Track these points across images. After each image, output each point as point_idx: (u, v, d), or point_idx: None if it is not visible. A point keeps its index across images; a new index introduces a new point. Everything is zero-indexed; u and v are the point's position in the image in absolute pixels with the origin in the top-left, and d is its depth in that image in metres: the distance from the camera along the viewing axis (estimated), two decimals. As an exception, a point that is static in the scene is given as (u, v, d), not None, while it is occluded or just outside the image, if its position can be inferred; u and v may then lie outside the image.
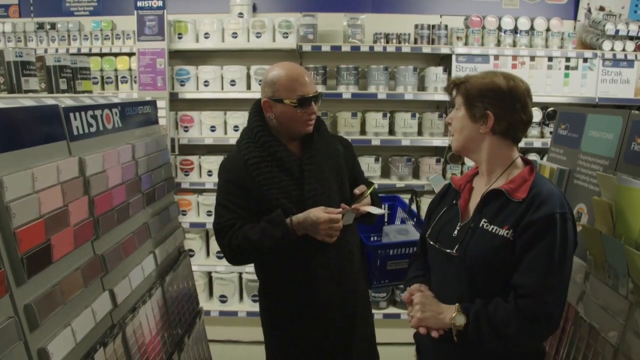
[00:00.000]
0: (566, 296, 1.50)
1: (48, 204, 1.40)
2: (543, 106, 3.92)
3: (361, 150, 3.98)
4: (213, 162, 3.89)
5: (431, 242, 1.69)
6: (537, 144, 3.85)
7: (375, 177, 3.90)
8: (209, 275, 4.05)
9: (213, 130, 3.90)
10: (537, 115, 3.91)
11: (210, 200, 3.91)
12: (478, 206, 1.59)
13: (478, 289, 1.53)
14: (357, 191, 2.07)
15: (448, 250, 1.59)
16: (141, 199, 2.00)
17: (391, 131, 3.93)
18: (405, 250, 2.25)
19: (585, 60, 3.83)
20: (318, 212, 1.88)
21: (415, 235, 2.33)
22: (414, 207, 2.51)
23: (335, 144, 2.13)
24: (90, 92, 2.15)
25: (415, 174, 4.02)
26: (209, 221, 3.90)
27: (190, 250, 3.98)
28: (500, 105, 1.52)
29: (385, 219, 2.59)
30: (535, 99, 3.75)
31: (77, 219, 1.53)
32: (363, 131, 3.92)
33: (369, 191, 2.08)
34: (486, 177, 1.63)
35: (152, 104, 2.26)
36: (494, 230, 1.50)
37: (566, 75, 3.85)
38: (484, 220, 1.54)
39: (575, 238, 1.50)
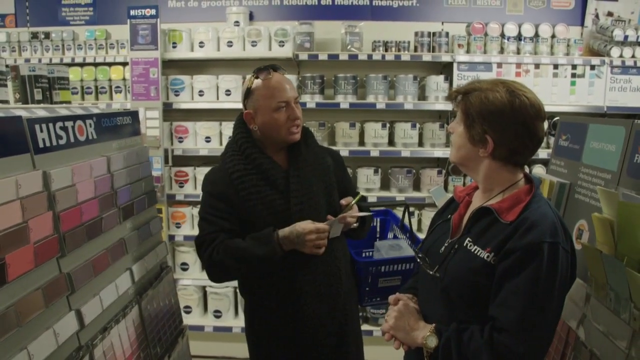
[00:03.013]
0: (551, 338, 1.39)
1: (4, 221, 1.33)
2: (549, 115, 3.81)
3: (360, 162, 3.92)
4: (208, 174, 3.83)
5: (418, 259, 1.61)
6: (543, 154, 3.73)
7: (374, 189, 3.83)
8: (204, 289, 3.97)
9: (208, 141, 3.86)
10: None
11: (204, 212, 3.84)
12: (467, 223, 1.50)
13: (456, 313, 1.44)
14: (343, 202, 2.04)
15: (428, 270, 1.52)
16: (117, 213, 1.92)
17: (391, 142, 3.86)
18: (397, 267, 2.19)
19: (592, 67, 3.72)
20: (304, 224, 1.85)
21: (408, 251, 2.26)
22: (406, 221, 2.41)
23: (325, 157, 2.09)
24: (69, 102, 2.09)
25: (416, 186, 3.93)
26: (204, 234, 3.83)
27: (184, 264, 3.92)
28: (500, 129, 1.38)
29: (377, 234, 2.51)
30: None
31: (38, 235, 1.46)
32: (362, 142, 3.85)
33: (355, 201, 2.03)
34: (482, 194, 1.54)
35: (133, 114, 2.19)
36: (475, 251, 1.41)
37: (572, 84, 3.74)
38: (468, 239, 1.45)
39: (571, 272, 1.39)
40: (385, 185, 3.94)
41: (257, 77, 1.92)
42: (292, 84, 1.96)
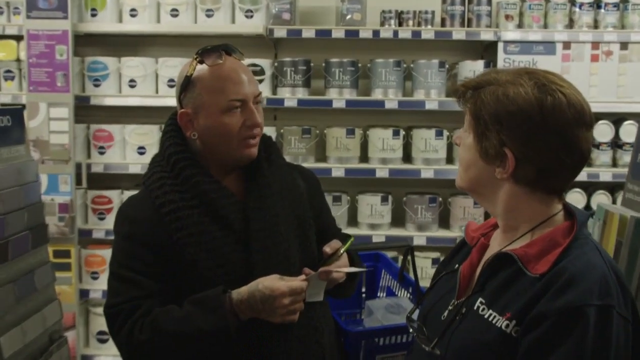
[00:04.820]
0: None
1: None
2: (642, 120, 3.81)
3: (361, 185, 3.92)
4: (141, 200, 3.84)
5: (411, 328, 1.62)
6: (581, 176, 3.69)
7: (382, 225, 3.83)
8: (131, 371, 3.93)
9: (142, 153, 3.86)
10: (633, 132, 3.77)
11: (134, 257, 3.84)
12: (480, 277, 1.49)
13: None
14: (327, 249, 1.97)
15: (424, 346, 1.50)
16: (-20, 258, 1.91)
17: (407, 157, 3.86)
18: (400, 339, 2.20)
19: None
20: (272, 282, 1.80)
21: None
22: (410, 270, 2.42)
23: (294, 178, 2.07)
24: None
25: (444, 222, 3.92)
26: (132, 289, 3.82)
27: (103, 333, 3.91)
28: (525, 140, 1.38)
29: (363, 288, 2.53)
30: (630, 108, 3.70)
31: None
32: (364, 156, 3.85)
33: (345, 247, 1.99)
34: (503, 235, 1.54)
35: (14, 113, 2.19)
36: (490, 317, 1.39)
37: (682, 71, 3.75)
38: (480, 299, 1.44)
39: (635, 350, 1.34)
40: (398, 219, 3.93)
41: (201, 62, 1.91)
42: (252, 75, 1.95)
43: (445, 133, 3.78)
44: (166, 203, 1.87)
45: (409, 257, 2.40)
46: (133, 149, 3.86)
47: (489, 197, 1.50)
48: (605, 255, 1.41)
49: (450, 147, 3.82)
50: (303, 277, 1.85)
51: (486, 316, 1.40)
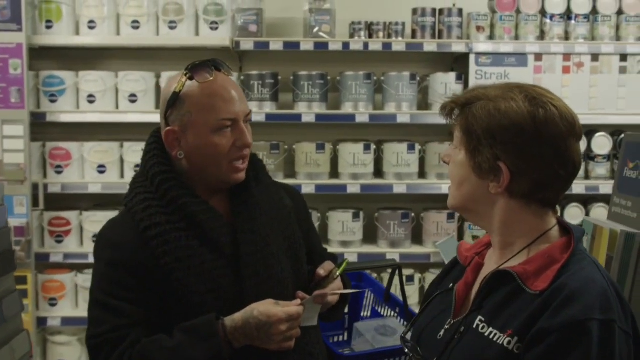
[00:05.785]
0: None
1: None
2: (614, 131, 3.89)
3: (332, 201, 3.92)
4: (101, 222, 3.74)
5: (406, 348, 1.62)
6: (606, 188, 3.77)
7: (354, 242, 3.84)
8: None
9: (102, 172, 3.81)
10: (605, 144, 3.87)
11: (94, 281, 3.78)
12: (477, 295, 1.51)
13: None
14: (321, 271, 1.98)
15: None
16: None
17: (378, 172, 3.88)
18: None
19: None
20: (267, 308, 1.78)
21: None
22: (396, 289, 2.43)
23: (282, 197, 2.06)
24: None
25: (417, 238, 3.95)
26: (93, 315, 3.76)
27: (63, 362, 3.82)
28: (519, 153, 1.41)
29: (346, 310, 2.51)
30: (602, 120, 3.78)
31: None
32: (334, 172, 3.87)
33: (340, 270, 1.99)
34: (499, 252, 1.55)
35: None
36: (490, 335, 1.40)
37: (651, 82, 3.84)
38: (480, 317, 1.45)
39: None
40: (370, 236, 3.94)
41: (190, 78, 1.88)
42: (242, 92, 1.92)
43: (417, 147, 3.82)
44: (152, 226, 1.83)
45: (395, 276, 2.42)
46: (92, 168, 3.80)
47: (484, 214, 1.52)
48: (603, 271, 1.44)
49: (422, 161, 3.86)
50: (298, 301, 1.84)
51: (487, 334, 1.42)
